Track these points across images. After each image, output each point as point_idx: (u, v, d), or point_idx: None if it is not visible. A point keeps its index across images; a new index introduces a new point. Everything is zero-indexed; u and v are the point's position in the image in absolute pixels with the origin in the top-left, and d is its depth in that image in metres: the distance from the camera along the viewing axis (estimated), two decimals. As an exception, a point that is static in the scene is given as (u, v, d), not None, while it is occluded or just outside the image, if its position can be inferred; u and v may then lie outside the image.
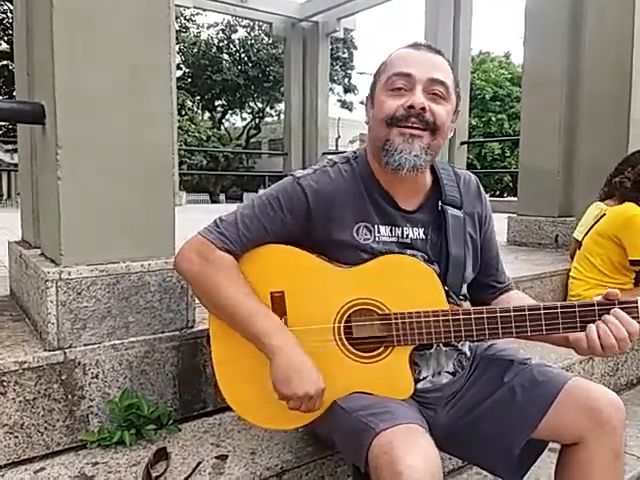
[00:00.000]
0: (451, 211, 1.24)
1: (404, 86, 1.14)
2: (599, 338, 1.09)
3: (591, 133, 3.46)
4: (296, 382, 1.10)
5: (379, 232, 1.21)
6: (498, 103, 21.14)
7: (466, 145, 8.70)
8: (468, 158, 11.86)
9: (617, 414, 1.14)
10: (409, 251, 1.22)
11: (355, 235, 1.20)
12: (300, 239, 1.21)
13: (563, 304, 1.13)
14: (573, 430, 1.15)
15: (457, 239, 1.24)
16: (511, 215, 3.95)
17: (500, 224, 4.10)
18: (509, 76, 21.36)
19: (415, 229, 1.24)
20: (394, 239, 1.22)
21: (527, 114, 3.91)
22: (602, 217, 2.60)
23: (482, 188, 1.35)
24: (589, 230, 2.65)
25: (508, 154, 20.04)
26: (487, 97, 20.93)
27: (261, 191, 1.28)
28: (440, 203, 1.24)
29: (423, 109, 1.12)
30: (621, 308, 1.10)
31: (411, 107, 1.12)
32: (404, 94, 1.14)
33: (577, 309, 1.12)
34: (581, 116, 3.54)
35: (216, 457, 1.34)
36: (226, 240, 1.19)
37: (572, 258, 2.81)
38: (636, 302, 1.11)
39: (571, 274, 2.71)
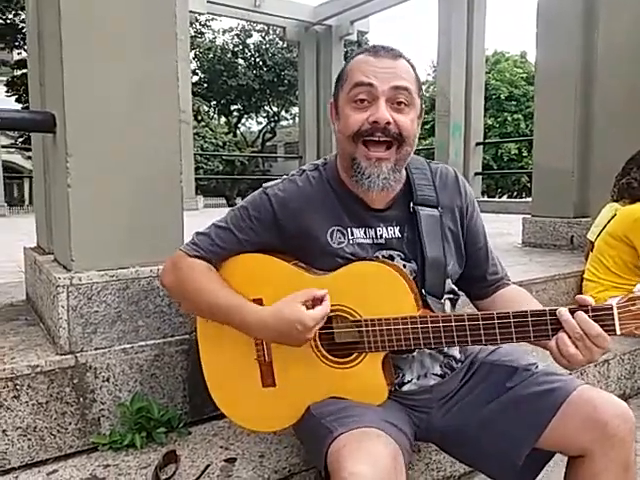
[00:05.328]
0: (424, 211, 1.22)
1: (367, 97, 1.12)
2: (557, 346, 1.04)
3: (606, 131, 3.39)
4: (294, 334, 1.10)
5: (353, 234, 1.21)
6: (514, 103, 20.85)
7: (482, 146, 8.66)
8: (484, 159, 11.78)
9: (625, 425, 1.07)
10: (385, 251, 1.22)
11: (329, 240, 1.20)
12: (276, 246, 1.24)
13: (533, 312, 1.06)
14: (578, 443, 1.10)
15: (433, 238, 1.22)
16: (525, 216, 3.89)
17: (516, 225, 4.06)
18: (524, 75, 21.07)
19: (390, 228, 1.23)
20: (369, 241, 1.21)
21: (540, 113, 3.84)
22: (613, 217, 2.57)
23: (462, 180, 1.31)
24: (602, 231, 2.62)
25: (525, 154, 19.71)
26: (502, 97, 20.66)
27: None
28: (412, 204, 1.23)
29: (388, 123, 1.11)
30: (594, 315, 1.01)
31: (375, 122, 1.12)
32: (367, 106, 1.12)
33: (548, 317, 1.05)
34: (595, 114, 3.48)
35: (225, 460, 1.35)
36: (197, 249, 1.24)
37: (586, 259, 2.78)
38: (611, 308, 1.01)
39: (585, 276, 2.67)
